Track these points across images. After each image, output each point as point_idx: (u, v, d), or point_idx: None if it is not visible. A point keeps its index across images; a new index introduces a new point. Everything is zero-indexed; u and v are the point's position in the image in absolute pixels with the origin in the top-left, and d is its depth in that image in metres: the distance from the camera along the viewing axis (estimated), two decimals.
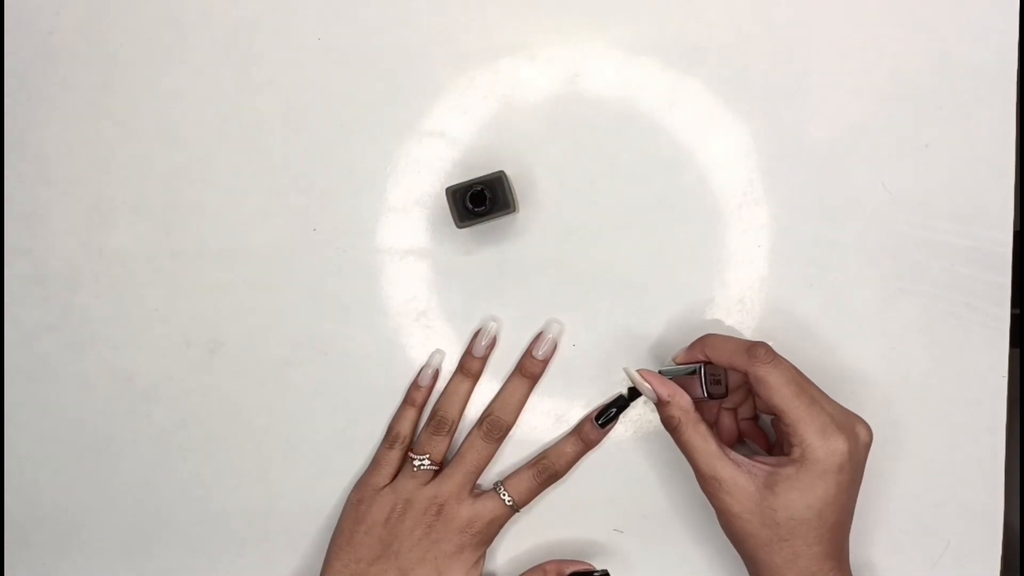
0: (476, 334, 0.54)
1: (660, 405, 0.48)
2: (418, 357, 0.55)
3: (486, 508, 0.52)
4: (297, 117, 0.55)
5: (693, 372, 0.48)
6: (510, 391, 0.54)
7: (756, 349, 0.46)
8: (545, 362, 0.54)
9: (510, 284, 0.55)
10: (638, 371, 0.49)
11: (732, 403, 0.51)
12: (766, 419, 0.53)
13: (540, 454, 0.54)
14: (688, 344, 0.50)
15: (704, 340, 0.49)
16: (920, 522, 0.54)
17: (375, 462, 0.54)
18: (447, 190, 0.49)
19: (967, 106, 0.53)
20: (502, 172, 0.50)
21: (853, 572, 0.47)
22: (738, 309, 0.54)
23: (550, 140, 0.54)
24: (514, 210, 0.52)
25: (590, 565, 0.53)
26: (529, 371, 0.54)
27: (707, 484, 0.46)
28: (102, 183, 0.56)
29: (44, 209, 0.56)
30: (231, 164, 0.55)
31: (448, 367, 0.55)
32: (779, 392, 0.45)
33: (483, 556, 0.53)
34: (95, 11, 0.55)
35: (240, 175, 0.55)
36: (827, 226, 0.53)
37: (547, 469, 0.53)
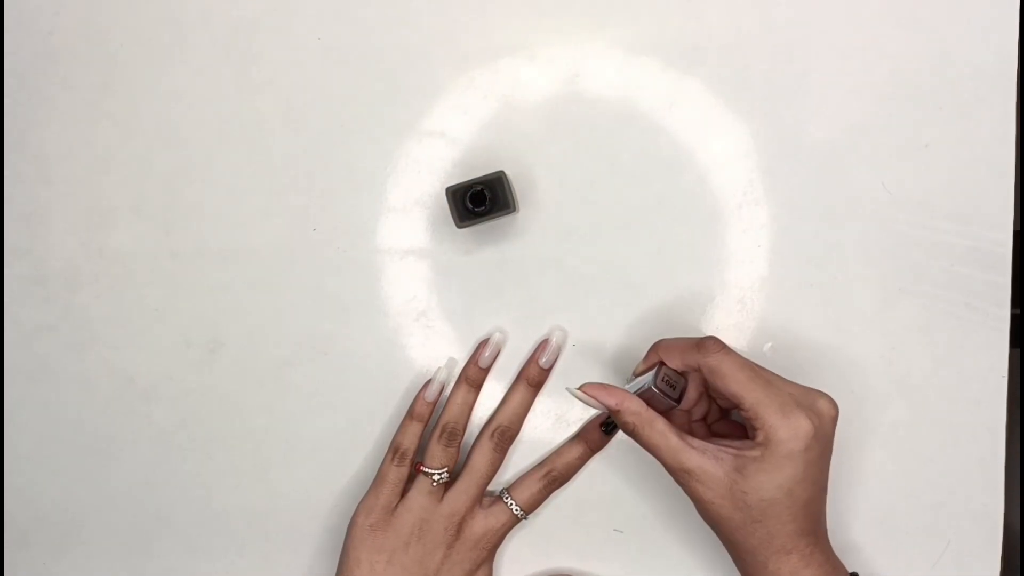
0: (481, 344, 0.54)
1: (614, 414, 0.47)
2: (418, 357, 0.55)
3: (498, 521, 0.52)
4: (297, 117, 0.55)
5: (650, 382, 0.48)
6: (517, 400, 0.53)
7: (705, 342, 0.47)
8: (550, 370, 0.54)
9: (510, 284, 0.55)
10: (581, 388, 0.47)
11: (699, 413, 0.51)
12: (737, 413, 0.53)
13: (545, 460, 0.53)
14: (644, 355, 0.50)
15: (657, 346, 0.49)
16: (920, 522, 0.54)
17: (381, 480, 0.52)
18: (447, 190, 0.49)
19: (967, 106, 0.53)
20: (502, 172, 0.50)
21: (854, 570, 0.47)
22: (738, 309, 0.54)
23: (550, 140, 0.54)
24: (514, 210, 0.52)
25: None
26: (535, 380, 0.53)
27: (677, 476, 0.46)
28: (102, 183, 0.56)
29: (44, 209, 0.56)
30: (231, 164, 0.55)
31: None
32: (733, 378, 0.45)
33: (492, 567, 0.53)
34: (95, 11, 0.55)
35: (240, 175, 0.55)
36: (827, 226, 0.53)
37: (554, 477, 0.53)
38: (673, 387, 0.49)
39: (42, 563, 0.57)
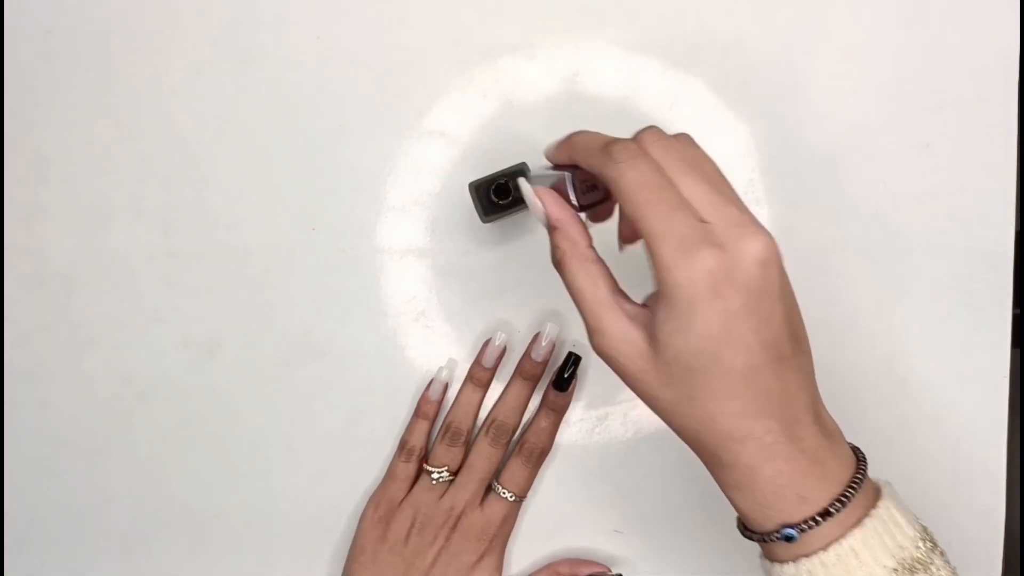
0: (486, 344, 0.54)
1: (549, 231, 0.39)
2: (418, 357, 0.55)
3: (495, 511, 0.52)
4: (296, 117, 0.55)
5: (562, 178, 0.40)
6: (512, 395, 0.53)
7: (612, 145, 0.35)
8: (544, 364, 0.54)
9: (510, 284, 0.54)
10: (532, 184, 0.40)
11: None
12: None
13: (521, 439, 0.54)
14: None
15: (570, 139, 0.39)
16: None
17: (391, 475, 0.54)
18: (470, 185, 0.48)
19: (967, 106, 0.53)
20: (524, 163, 0.50)
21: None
22: None
23: (550, 140, 0.54)
24: None
25: (604, 567, 0.53)
26: (529, 373, 0.53)
27: (593, 339, 0.37)
28: (101, 183, 0.55)
29: (44, 209, 0.56)
30: (230, 164, 0.55)
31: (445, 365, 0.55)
32: (631, 198, 0.34)
33: (502, 558, 0.54)
34: (95, 11, 0.55)
35: (239, 175, 0.55)
36: (827, 226, 0.53)
37: (533, 451, 0.53)
38: (596, 188, 0.40)
39: (42, 563, 0.57)
